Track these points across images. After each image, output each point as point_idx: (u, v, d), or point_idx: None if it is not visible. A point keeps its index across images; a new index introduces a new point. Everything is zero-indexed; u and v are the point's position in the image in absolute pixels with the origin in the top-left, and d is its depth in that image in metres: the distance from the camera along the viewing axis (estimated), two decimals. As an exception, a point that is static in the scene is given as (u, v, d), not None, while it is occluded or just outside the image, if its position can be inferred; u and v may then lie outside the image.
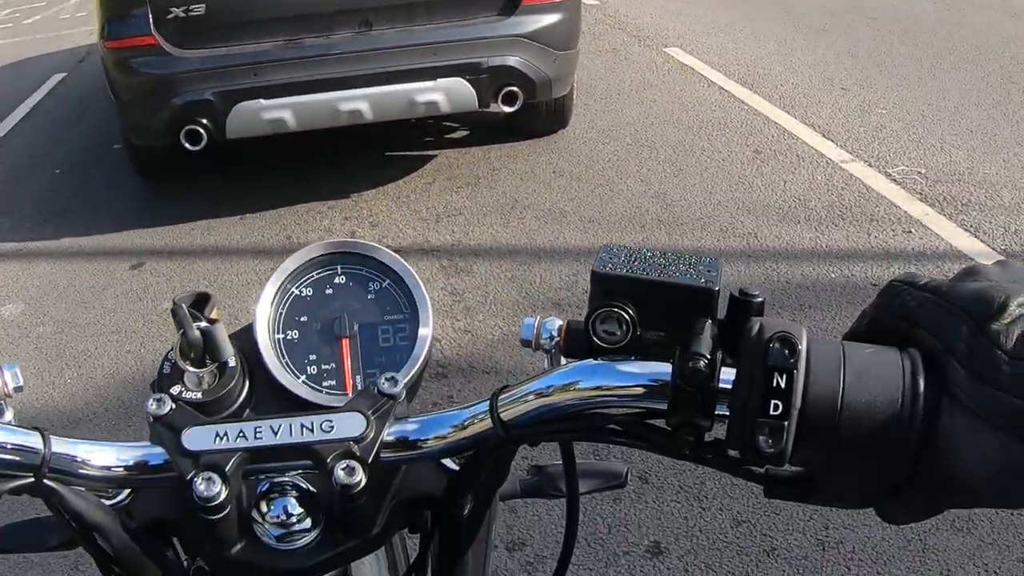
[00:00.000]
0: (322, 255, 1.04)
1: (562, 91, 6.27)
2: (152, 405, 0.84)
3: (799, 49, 8.67)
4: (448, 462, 0.91)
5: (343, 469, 0.79)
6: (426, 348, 1.01)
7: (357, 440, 0.81)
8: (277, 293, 1.02)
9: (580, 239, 5.28)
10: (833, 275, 4.63)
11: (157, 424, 0.83)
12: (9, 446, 0.77)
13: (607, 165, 6.30)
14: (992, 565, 2.89)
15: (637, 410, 0.74)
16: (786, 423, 0.65)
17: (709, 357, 0.68)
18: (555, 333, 0.80)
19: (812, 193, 5.60)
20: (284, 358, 1.00)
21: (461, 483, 0.88)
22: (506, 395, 0.79)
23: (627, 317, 0.73)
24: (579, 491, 0.94)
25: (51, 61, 11.39)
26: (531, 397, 0.77)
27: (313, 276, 1.04)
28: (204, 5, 5.44)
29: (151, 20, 5.42)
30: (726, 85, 7.77)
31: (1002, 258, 0.67)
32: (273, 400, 0.97)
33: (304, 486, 0.88)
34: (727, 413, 0.68)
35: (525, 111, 6.08)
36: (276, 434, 0.81)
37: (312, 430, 0.81)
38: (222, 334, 0.93)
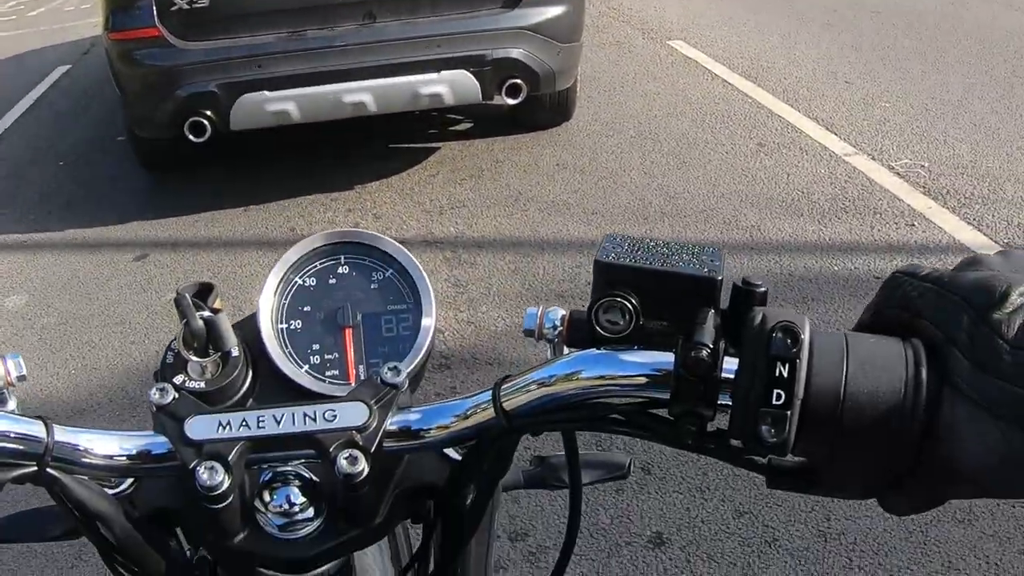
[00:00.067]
0: (325, 245, 1.04)
1: (566, 84, 6.26)
2: (155, 394, 0.84)
3: (803, 42, 8.66)
4: (451, 452, 0.91)
5: (346, 458, 0.79)
6: (429, 338, 1.00)
7: (360, 429, 0.81)
8: (280, 283, 1.02)
9: (583, 231, 5.28)
10: (836, 268, 4.62)
11: (160, 413, 0.83)
12: (12, 435, 0.77)
13: (610, 158, 6.30)
14: (993, 557, 2.89)
15: (640, 400, 0.74)
16: (789, 413, 0.65)
17: (712, 346, 0.68)
18: (558, 323, 0.80)
19: (815, 186, 5.59)
20: (287, 348, 0.99)
21: (464, 473, 0.88)
22: (509, 385, 0.79)
23: (630, 307, 0.73)
24: (582, 482, 0.94)
25: (55, 53, 11.38)
26: (534, 387, 0.77)
27: (316, 266, 1.03)
28: (208, -3, 5.46)
29: (155, 12, 5.42)
30: (730, 78, 7.76)
31: (1004, 248, 0.67)
32: (276, 390, 0.97)
33: (307, 475, 0.88)
34: (730, 403, 0.68)
35: (529, 104, 6.08)
36: (279, 423, 0.81)
37: (315, 419, 0.81)
38: (225, 324, 0.93)
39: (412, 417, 0.83)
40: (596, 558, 3.01)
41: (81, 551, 3.21)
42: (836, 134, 6.38)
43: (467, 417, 0.81)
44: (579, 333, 0.78)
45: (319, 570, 0.91)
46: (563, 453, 0.93)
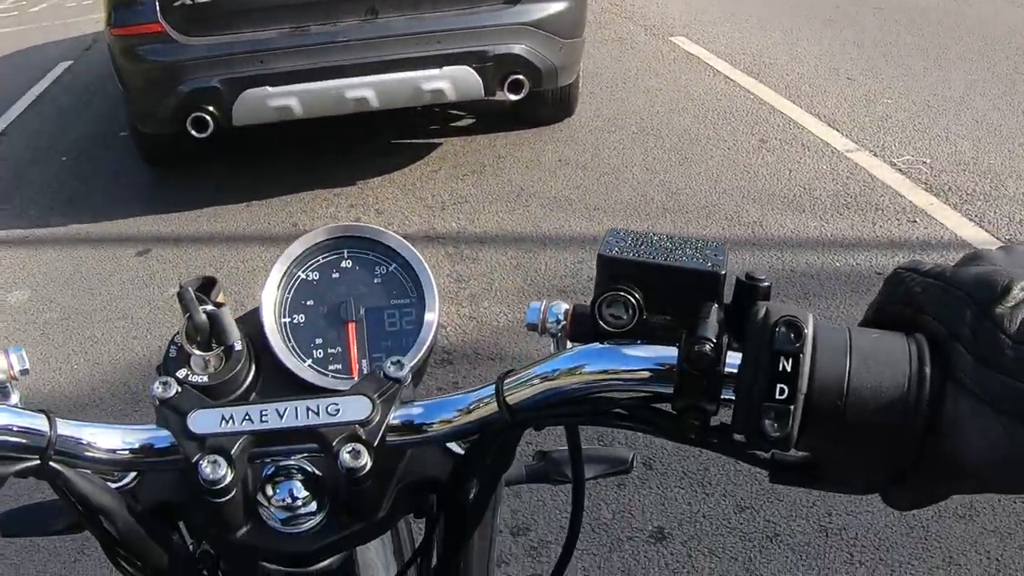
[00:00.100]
0: (329, 239, 1.04)
1: (568, 79, 6.26)
2: (158, 388, 0.84)
3: (805, 39, 8.65)
4: (454, 446, 0.91)
5: (349, 452, 0.79)
6: (432, 332, 1.00)
7: (363, 423, 0.81)
8: (283, 277, 1.02)
9: (585, 227, 5.27)
10: (837, 264, 4.62)
11: (163, 407, 0.83)
12: (15, 428, 0.77)
13: (613, 153, 6.30)
14: (994, 552, 2.89)
15: (643, 394, 0.74)
16: (792, 407, 0.64)
17: (715, 341, 0.68)
18: (561, 317, 0.80)
19: (817, 182, 5.59)
20: (290, 342, 0.99)
21: (467, 467, 0.88)
22: (512, 379, 0.79)
23: (633, 301, 0.73)
24: (585, 476, 0.94)
25: (57, 49, 11.38)
26: (537, 381, 0.77)
27: (319, 260, 1.03)
28: (210, -8, 5.46)
29: (158, 7, 5.43)
30: (732, 74, 7.76)
31: (1006, 243, 0.67)
32: (279, 384, 0.97)
33: (310, 469, 0.88)
34: (733, 397, 0.68)
35: (531, 99, 6.08)
36: (282, 417, 0.81)
37: (318, 413, 0.81)
38: (228, 318, 0.93)
39: (415, 411, 0.83)
40: (598, 553, 3.01)
41: (84, 545, 3.21)
42: (838, 130, 6.37)
43: (470, 411, 0.81)
44: (582, 327, 0.77)
45: (322, 564, 0.91)
46: (566, 448, 0.93)
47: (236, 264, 5.26)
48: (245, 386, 0.95)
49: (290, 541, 0.86)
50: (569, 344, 0.79)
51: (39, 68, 10.38)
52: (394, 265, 1.04)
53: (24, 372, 0.85)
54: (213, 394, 0.91)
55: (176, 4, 5.43)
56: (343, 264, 1.03)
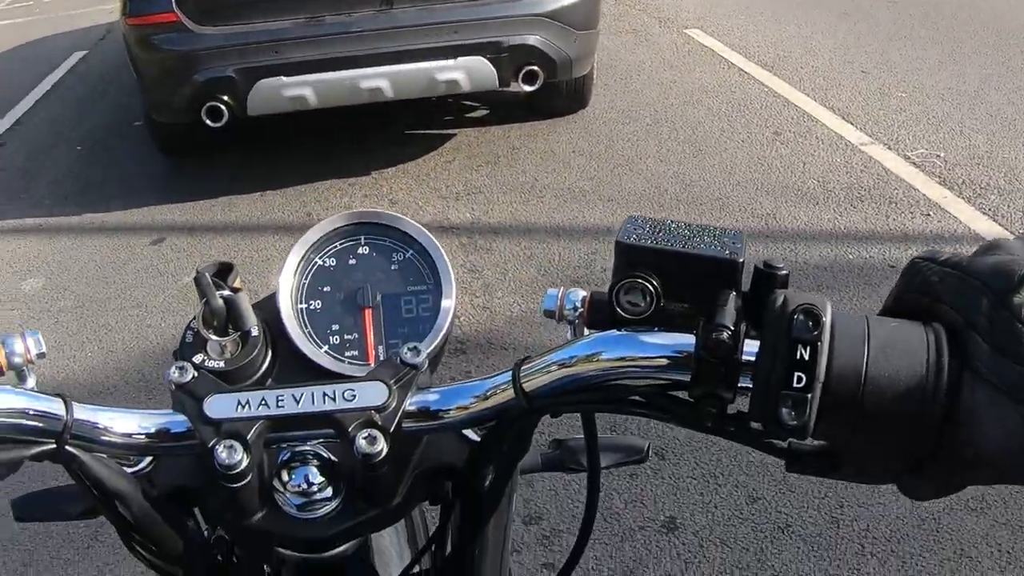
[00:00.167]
0: (346, 225, 1.04)
1: (582, 71, 6.25)
2: (174, 373, 0.84)
3: (819, 32, 8.62)
4: (470, 433, 0.91)
5: (365, 438, 0.79)
6: (449, 319, 1.00)
7: (379, 409, 0.81)
8: (300, 263, 1.02)
9: (599, 218, 5.27)
10: (851, 256, 4.61)
11: (179, 392, 0.83)
12: (32, 412, 0.78)
13: (626, 145, 6.29)
14: (1005, 545, 2.89)
15: (660, 381, 0.74)
16: (809, 395, 0.64)
17: (733, 329, 0.68)
18: (578, 304, 0.80)
19: (831, 175, 5.58)
20: (307, 328, 1.00)
21: (483, 454, 0.88)
22: (529, 365, 0.79)
23: (651, 288, 0.73)
24: (600, 465, 0.94)
25: (72, 39, 11.38)
26: (554, 367, 0.77)
27: (336, 246, 1.03)
28: (226, -18, 5.47)
29: (173, -3, 5.44)
30: (746, 67, 7.73)
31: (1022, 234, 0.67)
32: (295, 370, 0.97)
33: (325, 455, 0.88)
34: (750, 385, 0.68)
35: (545, 91, 6.08)
36: (298, 403, 0.81)
37: (334, 399, 0.81)
38: (245, 303, 0.93)
39: (431, 397, 0.83)
40: (610, 542, 3.02)
41: (97, 532, 3.22)
42: (852, 123, 6.35)
43: (487, 398, 0.81)
44: (599, 314, 0.77)
45: (337, 550, 0.91)
46: (581, 437, 0.93)
47: (250, 253, 5.27)
48: (261, 372, 0.95)
49: (306, 527, 0.86)
50: (586, 331, 0.79)
51: (53, 58, 10.38)
52: (411, 252, 1.04)
53: (41, 356, 0.86)
54: (229, 379, 0.91)
55: (191, -7, 5.44)
56: (360, 250, 1.03)
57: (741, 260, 0.72)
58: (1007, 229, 4.74)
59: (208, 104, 5.48)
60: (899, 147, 5.89)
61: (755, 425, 0.69)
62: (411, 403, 0.83)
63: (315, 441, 0.88)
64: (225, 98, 5.48)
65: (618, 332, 0.75)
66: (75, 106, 8.45)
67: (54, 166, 6.99)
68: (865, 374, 0.65)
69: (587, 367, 0.75)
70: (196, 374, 0.84)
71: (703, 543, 2.99)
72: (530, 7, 5.66)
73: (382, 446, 0.79)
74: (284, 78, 5.48)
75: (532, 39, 5.63)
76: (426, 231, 1.04)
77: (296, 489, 0.86)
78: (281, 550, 0.91)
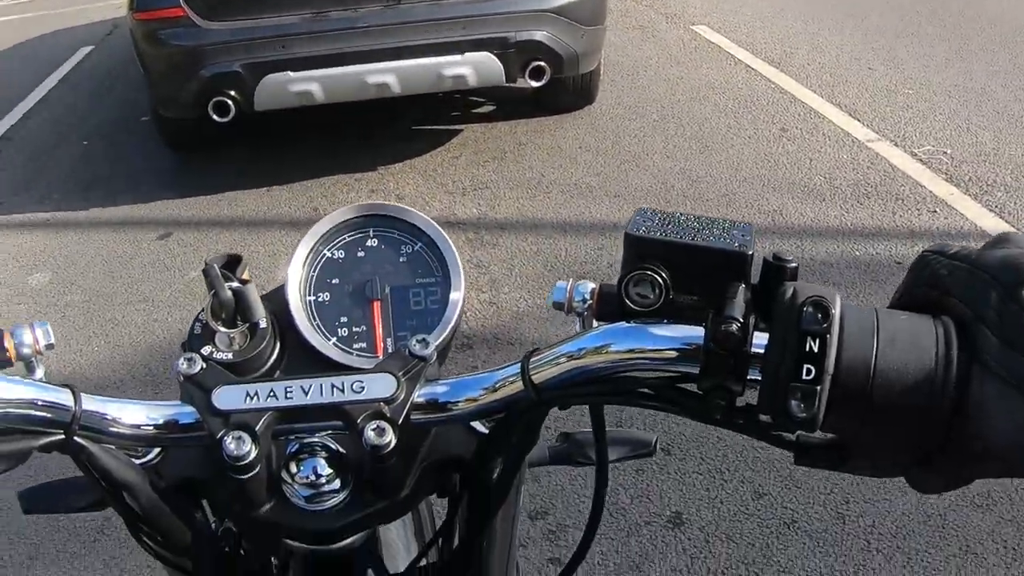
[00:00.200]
0: (355, 217, 1.04)
1: (589, 66, 6.25)
2: (183, 364, 0.84)
3: (826, 28, 8.61)
4: (478, 425, 0.91)
5: (373, 430, 0.79)
6: (457, 312, 1.00)
7: (387, 401, 0.81)
8: (309, 255, 1.02)
9: (606, 214, 5.27)
10: (857, 253, 4.61)
11: (188, 383, 0.83)
12: (40, 403, 0.78)
13: (633, 141, 6.28)
14: (1011, 542, 2.89)
15: (669, 374, 0.74)
16: (818, 388, 0.64)
17: (742, 321, 0.67)
18: (587, 296, 0.80)
19: (838, 172, 5.57)
20: (315, 320, 1.00)
21: (491, 446, 0.88)
22: (538, 357, 0.79)
23: (660, 280, 0.73)
24: (608, 458, 0.94)
25: (78, 34, 11.39)
26: (563, 359, 0.77)
27: (345, 238, 1.03)
28: (233, -24, 5.47)
29: (180, -8, 5.44)
30: (753, 63, 7.73)
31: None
32: (304, 362, 0.97)
33: (334, 447, 0.88)
34: (759, 378, 0.68)
35: (552, 86, 6.08)
36: (307, 394, 0.81)
37: (343, 391, 0.81)
38: (254, 295, 0.93)
39: (440, 389, 0.83)
40: (616, 537, 3.02)
41: (104, 524, 3.23)
42: (859, 120, 6.35)
43: (496, 390, 0.81)
44: (609, 307, 0.77)
45: (345, 542, 0.91)
46: (589, 430, 0.93)
47: (257, 248, 5.27)
48: (270, 363, 0.95)
49: (314, 518, 0.86)
50: (595, 323, 0.79)
51: (60, 53, 10.39)
52: (420, 244, 1.04)
53: (49, 347, 0.86)
54: (238, 371, 0.91)
55: (198, -12, 5.45)
56: (369, 242, 1.03)
57: (750, 252, 0.72)
58: (1013, 225, 4.73)
59: (215, 99, 5.49)
60: (906, 144, 5.88)
61: (764, 418, 0.69)
62: (419, 395, 0.83)
63: (323, 433, 0.88)
64: (232, 93, 5.48)
65: (627, 324, 0.75)
66: (82, 101, 8.46)
67: (61, 161, 7.00)
68: (874, 367, 0.64)
69: (596, 359, 0.75)
70: (204, 366, 0.84)
71: (709, 538, 3.00)
72: (537, 3, 5.66)
73: (390, 438, 0.79)
74: (291, 73, 5.48)
75: (539, 35, 5.64)
76: (435, 223, 1.04)
77: (304, 481, 0.86)
78: (289, 542, 0.91)
